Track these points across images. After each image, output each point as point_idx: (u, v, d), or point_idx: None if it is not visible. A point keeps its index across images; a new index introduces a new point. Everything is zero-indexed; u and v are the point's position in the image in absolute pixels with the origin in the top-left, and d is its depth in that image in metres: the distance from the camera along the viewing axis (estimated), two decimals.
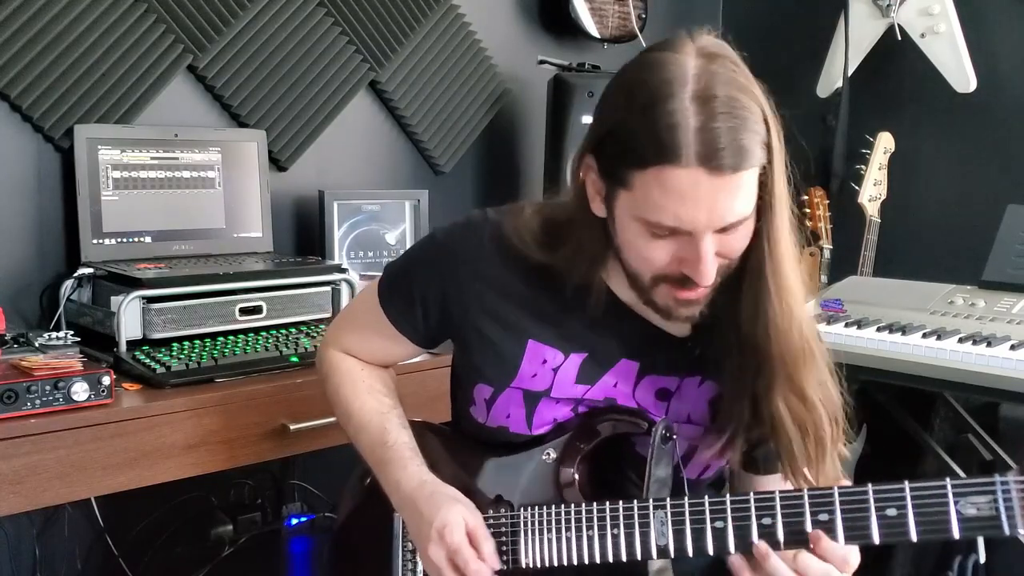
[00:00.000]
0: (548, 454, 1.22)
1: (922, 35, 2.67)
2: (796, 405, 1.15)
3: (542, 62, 2.58)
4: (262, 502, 2.29)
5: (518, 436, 1.26)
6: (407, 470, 1.25)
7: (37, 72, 1.92)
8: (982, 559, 2.25)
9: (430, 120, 2.58)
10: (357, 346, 1.43)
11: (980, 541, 2.16)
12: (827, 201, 2.77)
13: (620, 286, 1.22)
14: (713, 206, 1.03)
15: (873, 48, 2.77)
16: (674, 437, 1.17)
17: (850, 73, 2.81)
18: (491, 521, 1.20)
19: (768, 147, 1.06)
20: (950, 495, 0.97)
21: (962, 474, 2.32)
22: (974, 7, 2.67)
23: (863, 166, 2.69)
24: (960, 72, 2.64)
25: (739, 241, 1.10)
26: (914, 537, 0.98)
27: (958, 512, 0.96)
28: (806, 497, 1.03)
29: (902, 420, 2.43)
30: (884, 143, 2.70)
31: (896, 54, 2.75)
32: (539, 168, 2.70)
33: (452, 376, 1.39)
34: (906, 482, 0.99)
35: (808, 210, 2.76)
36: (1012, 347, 1.93)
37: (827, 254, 2.73)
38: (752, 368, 1.15)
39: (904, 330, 2.09)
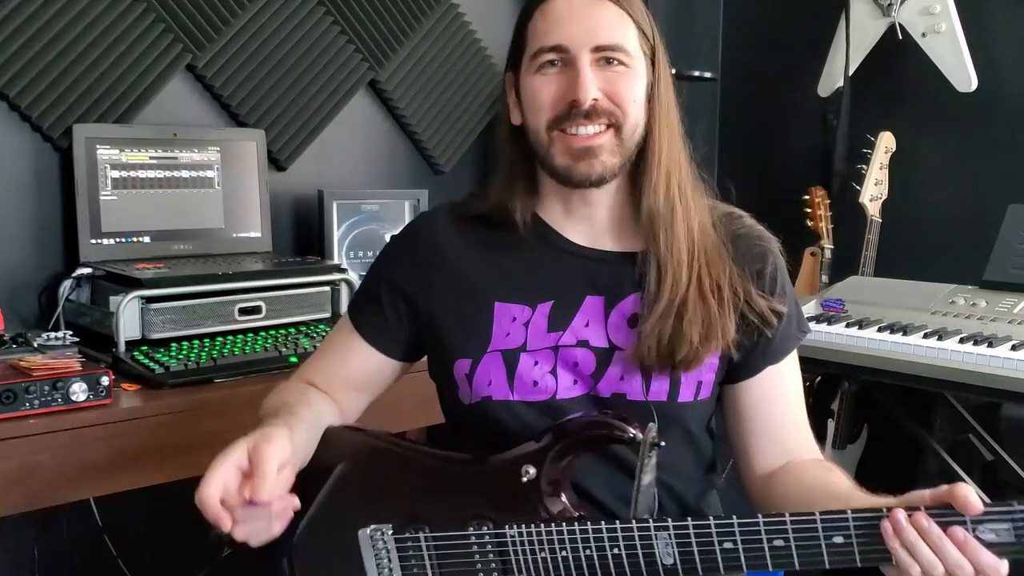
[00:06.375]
0: (527, 472, 1.14)
1: (923, 34, 2.66)
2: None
3: None
4: None
5: (502, 405, 1.23)
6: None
7: (36, 71, 1.91)
8: None
9: (430, 120, 2.58)
10: (319, 371, 1.36)
11: None
12: (828, 201, 2.77)
13: (568, 228, 1.29)
14: (585, 20, 1.19)
15: (874, 47, 2.76)
16: (661, 444, 1.12)
17: (851, 72, 2.81)
18: (473, 539, 1.14)
19: (650, 29, 1.23)
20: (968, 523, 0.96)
21: (963, 474, 2.32)
22: (975, 6, 2.66)
23: (864, 166, 2.69)
24: (961, 71, 2.63)
25: (622, 83, 1.20)
26: None
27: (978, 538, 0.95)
28: (818, 519, 1.01)
29: (903, 420, 2.43)
30: (885, 142, 2.69)
31: (897, 53, 2.75)
32: None
33: (432, 374, 1.35)
34: (922, 508, 0.97)
35: (809, 210, 2.75)
36: (1013, 347, 1.93)
37: (828, 254, 2.73)
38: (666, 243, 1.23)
39: (905, 330, 2.09)
